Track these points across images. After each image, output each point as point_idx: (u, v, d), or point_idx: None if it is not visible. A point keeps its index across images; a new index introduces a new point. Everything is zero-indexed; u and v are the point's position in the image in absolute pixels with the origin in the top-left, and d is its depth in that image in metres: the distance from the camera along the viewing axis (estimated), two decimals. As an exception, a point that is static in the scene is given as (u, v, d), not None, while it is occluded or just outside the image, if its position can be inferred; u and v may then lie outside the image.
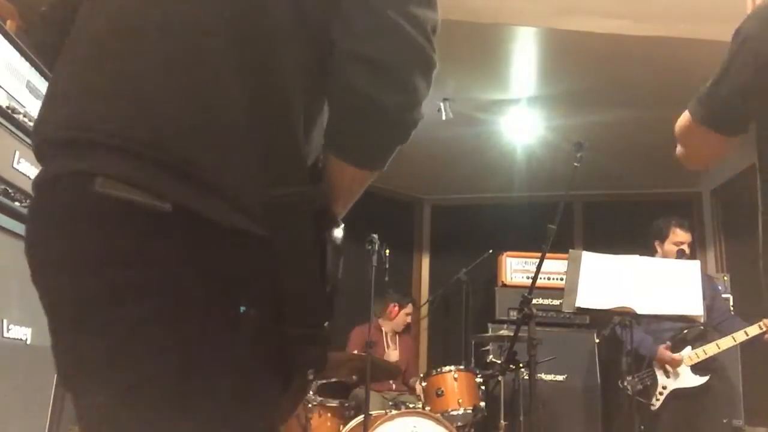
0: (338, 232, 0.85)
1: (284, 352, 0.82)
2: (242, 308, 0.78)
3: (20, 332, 2.12)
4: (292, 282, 0.80)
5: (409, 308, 4.65)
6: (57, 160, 0.79)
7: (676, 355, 3.46)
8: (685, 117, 1.34)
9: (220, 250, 0.77)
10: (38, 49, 1.09)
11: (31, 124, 2.26)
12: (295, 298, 0.81)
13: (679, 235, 3.65)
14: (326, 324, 0.84)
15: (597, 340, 4.42)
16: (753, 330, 3.34)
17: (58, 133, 0.79)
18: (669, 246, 3.67)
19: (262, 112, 0.78)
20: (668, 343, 3.51)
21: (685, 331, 3.53)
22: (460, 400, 3.46)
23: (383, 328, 4.54)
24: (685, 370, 3.47)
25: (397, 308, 4.54)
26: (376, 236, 3.49)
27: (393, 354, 4.47)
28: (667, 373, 3.50)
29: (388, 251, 3.68)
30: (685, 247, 3.62)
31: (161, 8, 0.80)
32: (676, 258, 3.56)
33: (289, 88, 0.80)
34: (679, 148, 1.41)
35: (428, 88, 0.84)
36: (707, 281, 3.68)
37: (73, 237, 0.76)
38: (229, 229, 0.77)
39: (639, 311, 3.00)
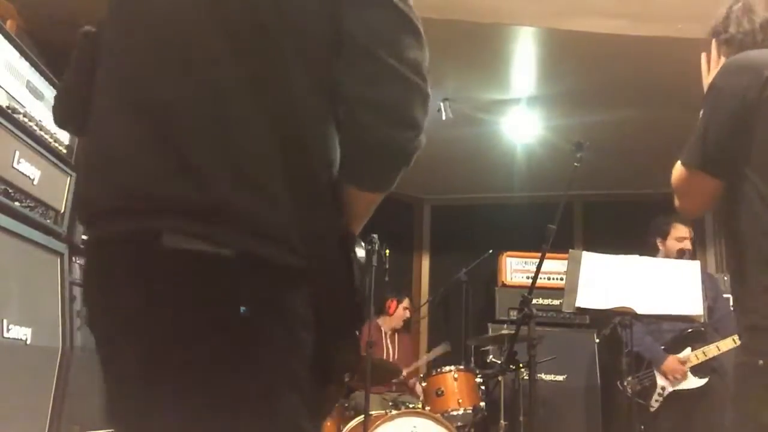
0: (361, 252, 1.02)
1: (326, 362, 0.96)
2: (284, 336, 0.90)
3: (20, 332, 2.12)
4: (331, 301, 0.95)
5: (406, 302, 4.65)
6: (119, 222, 0.90)
7: (683, 367, 3.44)
8: (679, 169, 1.48)
9: (279, 286, 0.90)
10: (61, 120, 1.18)
11: (32, 124, 2.27)
12: (334, 315, 0.96)
13: (681, 230, 3.64)
14: (357, 333, 1.01)
15: (597, 340, 4.42)
16: None
17: (120, 202, 0.91)
18: (671, 242, 3.65)
19: (295, 169, 0.91)
20: (680, 355, 3.49)
21: (689, 331, 3.52)
22: (460, 400, 3.46)
23: (382, 328, 4.54)
24: (690, 375, 3.47)
25: (395, 303, 4.54)
26: (376, 236, 3.49)
27: (392, 355, 4.46)
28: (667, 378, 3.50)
29: (388, 251, 3.67)
30: (687, 242, 3.61)
31: (206, 96, 0.90)
32: (677, 256, 3.55)
33: (313, 139, 0.94)
34: (676, 200, 1.55)
35: (426, 117, 0.97)
36: (710, 280, 3.68)
37: (149, 287, 0.87)
38: (282, 266, 0.89)
39: (639, 311, 3.00)
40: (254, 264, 0.88)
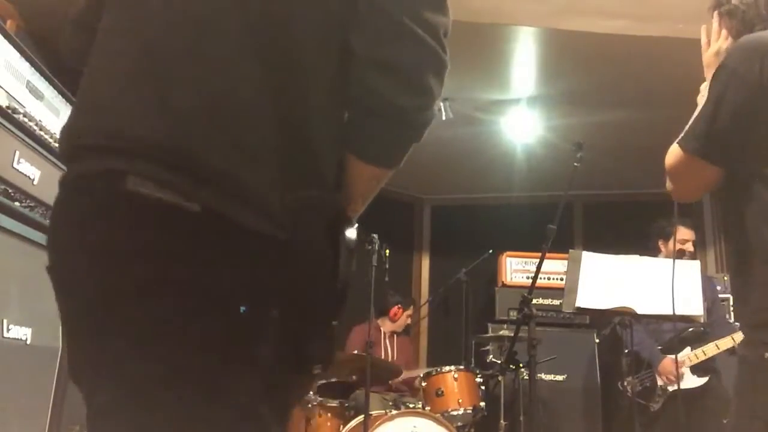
0: (351, 233, 0.90)
1: (294, 348, 0.86)
2: (242, 308, 0.80)
3: (20, 332, 2.12)
4: (306, 279, 0.86)
5: (410, 310, 4.66)
6: (91, 160, 0.83)
7: (677, 371, 3.44)
8: (676, 153, 1.40)
9: (245, 252, 0.81)
10: (70, 55, 1.12)
11: (32, 124, 2.27)
12: (307, 295, 0.86)
13: (684, 233, 3.65)
14: (335, 322, 0.89)
15: (597, 340, 4.42)
16: None
17: (96, 140, 0.83)
18: (673, 244, 3.66)
19: (290, 128, 0.84)
20: (677, 356, 3.49)
21: (689, 331, 3.52)
22: (460, 400, 3.46)
23: (382, 329, 4.54)
24: (684, 372, 3.47)
25: (401, 310, 4.54)
26: (376, 236, 3.49)
27: (390, 355, 4.46)
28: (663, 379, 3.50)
29: (388, 251, 3.67)
30: (689, 245, 3.61)
31: (194, 37, 0.84)
32: (677, 256, 3.55)
33: (316, 103, 0.87)
34: (669, 184, 1.47)
35: (441, 88, 0.90)
36: (708, 282, 3.68)
37: (103, 231, 0.80)
38: (253, 232, 0.81)
39: (639, 311, 3.00)
40: (221, 223, 0.79)
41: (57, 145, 2.47)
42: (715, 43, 1.48)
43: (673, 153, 1.41)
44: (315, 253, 0.86)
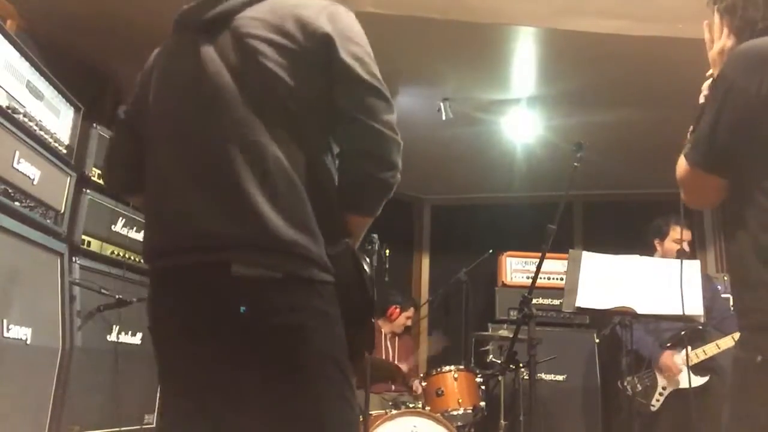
0: (366, 265, 1.35)
1: (351, 346, 1.29)
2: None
3: (20, 332, 2.12)
4: (350, 303, 1.30)
5: (410, 312, 4.65)
6: (194, 256, 1.23)
7: (678, 365, 3.44)
8: (682, 165, 1.42)
9: (319, 295, 1.24)
10: (121, 185, 1.58)
11: (32, 124, 2.27)
12: (353, 313, 1.30)
13: (679, 232, 3.64)
14: (372, 320, 1.40)
15: (597, 340, 4.42)
16: None
17: (189, 242, 1.24)
18: (669, 244, 3.66)
19: (320, 201, 1.26)
20: (677, 349, 3.49)
21: (685, 332, 3.52)
22: (460, 400, 3.46)
23: (383, 330, 4.54)
24: (684, 371, 3.47)
25: (398, 311, 4.53)
26: (376, 236, 3.48)
27: (390, 357, 4.46)
28: (663, 375, 3.50)
29: (388, 251, 3.67)
30: (685, 244, 3.61)
31: (235, 145, 1.24)
32: (677, 256, 3.55)
33: (330, 186, 1.32)
34: (683, 195, 1.49)
35: (400, 160, 1.32)
36: (706, 281, 3.68)
37: (218, 302, 1.21)
38: (319, 281, 1.24)
39: (639, 311, 3.00)
40: (298, 281, 1.21)
41: (56, 146, 2.47)
42: (718, 40, 1.46)
43: (680, 165, 1.42)
44: (352, 284, 1.31)
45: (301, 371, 1.21)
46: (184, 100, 1.32)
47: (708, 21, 1.49)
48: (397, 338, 4.60)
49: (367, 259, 1.37)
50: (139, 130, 1.41)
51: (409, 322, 4.66)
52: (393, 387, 4.22)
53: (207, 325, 1.22)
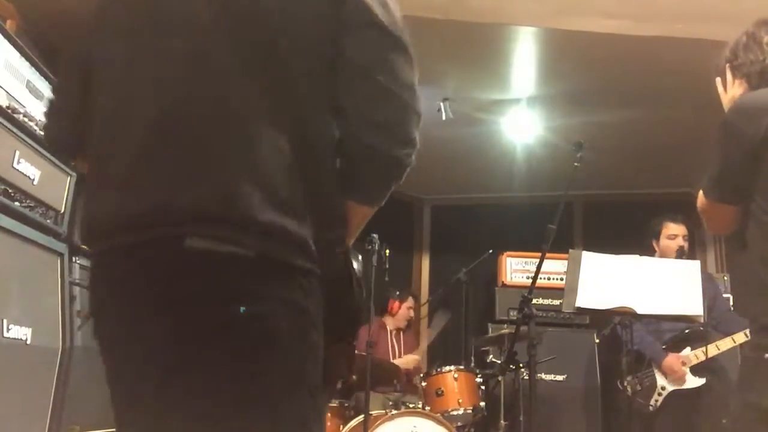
0: (357, 265, 1.10)
1: (325, 365, 1.00)
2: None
3: (20, 332, 2.12)
4: (333, 307, 1.01)
5: (409, 302, 4.65)
6: (140, 231, 0.94)
7: (683, 369, 3.44)
8: (702, 199, 1.70)
9: (300, 287, 0.96)
10: (59, 138, 1.20)
11: (32, 124, 2.27)
12: (336, 318, 1.02)
13: (672, 228, 3.63)
14: (353, 340, 1.09)
15: (597, 340, 4.42)
16: None
17: (140, 219, 0.94)
18: (664, 241, 3.64)
19: (312, 183, 0.98)
20: (680, 354, 3.49)
21: (686, 332, 3.52)
22: (460, 400, 3.46)
23: (388, 327, 4.54)
24: (689, 373, 3.46)
25: (397, 303, 4.54)
26: (376, 236, 3.48)
27: (398, 353, 4.47)
28: (666, 377, 3.50)
29: (388, 251, 3.67)
30: (680, 239, 3.59)
31: (210, 100, 0.96)
32: (675, 255, 3.54)
33: (325, 158, 1.02)
34: (705, 223, 1.80)
35: (418, 135, 1.06)
36: (709, 281, 3.67)
37: (173, 284, 0.92)
38: (299, 268, 0.95)
39: (639, 311, 2.99)
40: (273, 264, 0.93)
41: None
42: (730, 89, 1.75)
43: (701, 199, 1.70)
44: (340, 281, 1.04)
45: (258, 383, 0.91)
46: (138, 33, 1.01)
47: (719, 78, 1.80)
48: (402, 334, 4.61)
49: (359, 258, 1.12)
50: (88, 70, 1.08)
51: (411, 313, 4.65)
52: (397, 387, 4.22)
53: (151, 310, 0.93)
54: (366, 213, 1.10)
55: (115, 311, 0.98)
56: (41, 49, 2.83)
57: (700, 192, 1.70)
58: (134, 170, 0.96)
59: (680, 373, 3.45)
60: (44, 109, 1.20)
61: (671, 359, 3.46)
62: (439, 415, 3.32)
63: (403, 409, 3.36)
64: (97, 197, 1.01)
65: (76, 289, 2.54)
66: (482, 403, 3.52)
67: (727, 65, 1.77)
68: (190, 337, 0.91)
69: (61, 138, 1.17)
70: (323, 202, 1.01)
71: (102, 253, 1.01)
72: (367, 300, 3.39)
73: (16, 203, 2.17)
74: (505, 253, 4.80)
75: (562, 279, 4.15)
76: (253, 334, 0.91)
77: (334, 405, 3.48)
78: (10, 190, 2.13)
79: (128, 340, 0.96)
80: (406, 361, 4.32)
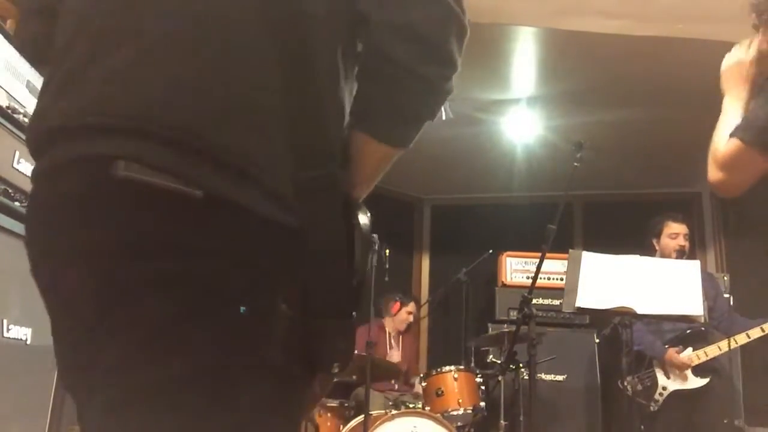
0: (364, 219, 0.81)
1: (311, 346, 0.78)
2: (242, 308, 0.72)
3: (20, 332, 2.12)
4: (323, 273, 0.76)
5: (411, 306, 4.65)
6: (66, 146, 0.72)
7: (684, 359, 3.44)
8: (734, 144, 1.49)
9: (253, 241, 0.72)
10: (33, 41, 1.04)
11: (31, 123, 2.27)
12: (325, 291, 0.77)
13: (673, 227, 3.63)
14: (353, 315, 0.80)
15: (597, 340, 4.42)
16: (755, 332, 3.32)
17: (67, 121, 0.73)
18: (665, 240, 3.64)
19: (297, 98, 0.75)
20: (679, 347, 3.49)
21: (687, 332, 3.52)
22: (460, 400, 3.46)
23: (387, 328, 4.54)
24: (686, 372, 3.46)
25: (398, 304, 4.54)
26: (375, 236, 3.48)
27: (395, 355, 4.47)
28: (667, 374, 3.50)
29: (388, 251, 3.67)
30: (681, 239, 3.60)
31: None
32: (676, 254, 3.55)
33: (323, 72, 0.78)
34: (717, 175, 1.55)
35: (461, 57, 0.80)
36: (710, 280, 3.67)
37: (92, 225, 0.70)
38: (262, 219, 0.72)
39: (639, 311, 3.00)
40: (227, 211, 0.71)
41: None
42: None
43: (729, 144, 1.49)
44: (331, 243, 0.76)
45: (187, 362, 0.69)
46: None
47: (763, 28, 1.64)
48: (401, 337, 4.61)
49: (368, 214, 0.83)
50: None
51: (411, 318, 4.66)
52: (396, 386, 4.22)
53: (70, 259, 0.72)
54: (384, 154, 0.83)
55: (39, 254, 0.78)
56: (41, 49, 2.83)
57: (726, 139, 1.51)
58: (82, 66, 0.75)
59: (682, 366, 3.43)
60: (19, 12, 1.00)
61: (671, 354, 3.46)
62: (439, 415, 3.32)
63: (403, 409, 3.36)
64: (43, 98, 0.79)
65: (76, 289, 2.54)
66: (482, 403, 3.52)
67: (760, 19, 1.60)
68: (111, 296, 0.70)
69: (32, 41, 1.01)
70: (311, 126, 0.76)
71: (33, 173, 0.80)
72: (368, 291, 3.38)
73: (16, 203, 2.17)
74: (505, 253, 4.80)
75: (562, 279, 4.15)
76: (186, 301, 0.69)
77: (334, 405, 3.48)
78: (10, 190, 2.13)
79: (55, 294, 0.77)
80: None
